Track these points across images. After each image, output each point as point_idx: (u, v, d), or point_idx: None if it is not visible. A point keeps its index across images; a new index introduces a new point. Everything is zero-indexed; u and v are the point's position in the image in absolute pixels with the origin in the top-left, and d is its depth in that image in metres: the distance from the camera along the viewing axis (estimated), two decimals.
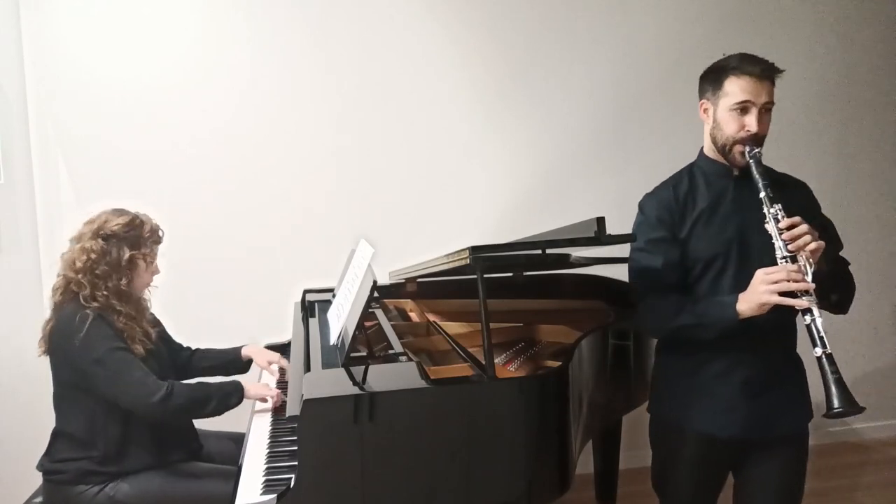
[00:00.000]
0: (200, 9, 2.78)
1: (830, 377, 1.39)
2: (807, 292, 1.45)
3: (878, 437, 3.43)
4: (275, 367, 2.29)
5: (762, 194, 1.55)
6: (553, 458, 1.63)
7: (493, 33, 2.99)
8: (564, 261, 2.26)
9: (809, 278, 1.46)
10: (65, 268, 1.94)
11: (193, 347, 2.32)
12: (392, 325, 2.10)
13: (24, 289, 2.65)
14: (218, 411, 1.93)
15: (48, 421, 1.96)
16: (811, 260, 1.48)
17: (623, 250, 1.92)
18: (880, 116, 3.32)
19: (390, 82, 2.93)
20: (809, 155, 3.21)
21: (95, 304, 1.88)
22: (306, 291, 2.68)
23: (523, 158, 3.06)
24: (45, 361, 1.94)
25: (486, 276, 1.65)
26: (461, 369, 1.76)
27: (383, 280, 2.57)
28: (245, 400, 2.00)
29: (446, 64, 2.97)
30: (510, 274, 2.27)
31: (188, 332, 2.33)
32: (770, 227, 1.53)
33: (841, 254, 1.75)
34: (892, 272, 3.35)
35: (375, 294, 1.81)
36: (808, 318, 1.44)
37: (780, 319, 1.64)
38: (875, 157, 3.34)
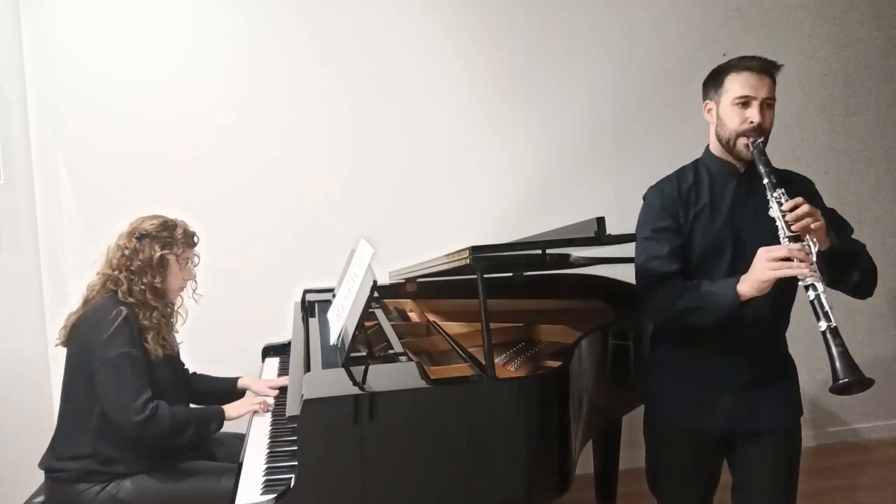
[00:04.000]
0: (200, 9, 2.78)
1: (835, 350, 1.39)
2: (810, 268, 1.45)
3: (878, 437, 3.43)
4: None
5: (765, 180, 1.57)
6: (553, 458, 1.63)
7: (494, 33, 2.99)
8: (565, 261, 2.26)
9: (813, 257, 1.46)
10: (103, 266, 2.02)
11: (191, 371, 2.30)
12: (392, 325, 2.10)
13: (24, 289, 2.65)
14: (198, 437, 1.96)
15: (49, 420, 1.96)
16: (814, 240, 1.49)
17: (623, 250, 1.93)
18: (882, 116, 3.32)
19: (390, 82, 2.93)
20: (809, 154, 3.21)
21: (132, 300, 1.94)
22: (306, 291, 2.68)
23: (523, 158, 3.05)
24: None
25: (486, 276, 1.65)
26: (461, 369, 1.76)
27: (383, 280, 2.57)
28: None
29: (447, 64, 2.97)
30: (510, 274, 2.27)
31: (188, 332, 2.32)
32: (773, 211, 1.54)
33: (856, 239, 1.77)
34: (891, 272, 3.34)
35: (375, 294, 1.81)
36: (811, 293, 1.44)
37: (772, 316, 1.68)
38: (876, 156, 3.34)
